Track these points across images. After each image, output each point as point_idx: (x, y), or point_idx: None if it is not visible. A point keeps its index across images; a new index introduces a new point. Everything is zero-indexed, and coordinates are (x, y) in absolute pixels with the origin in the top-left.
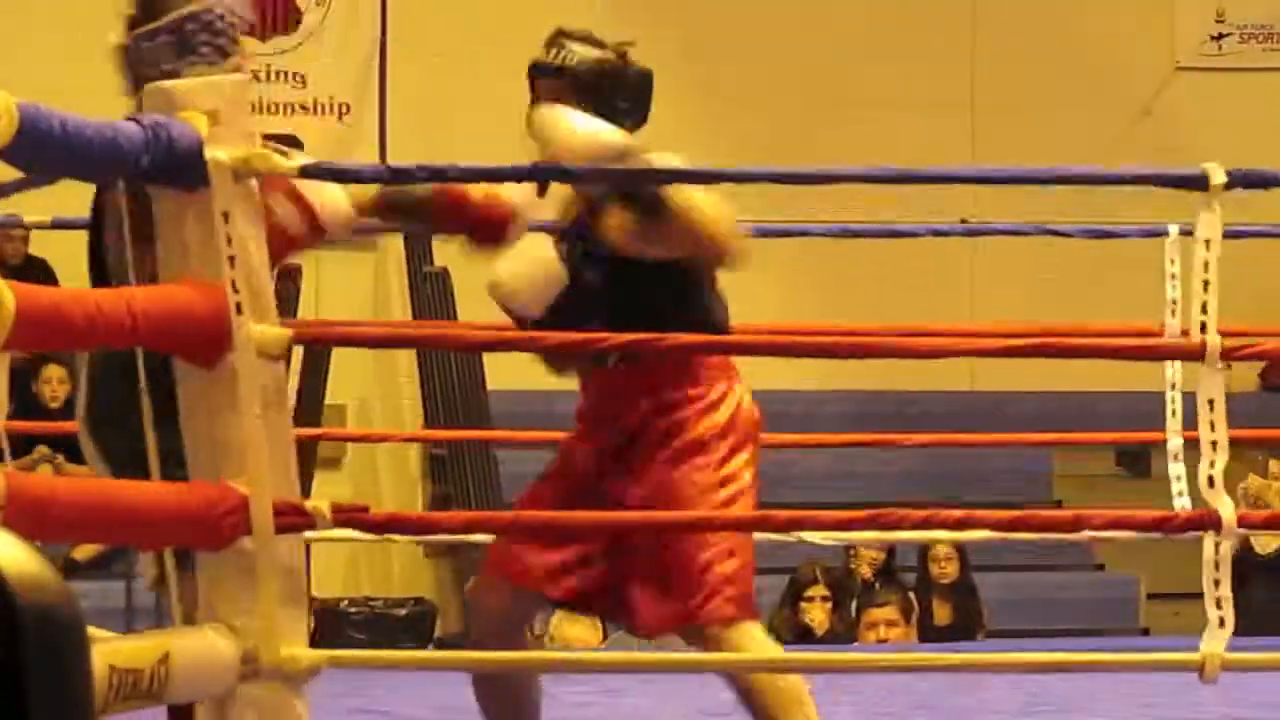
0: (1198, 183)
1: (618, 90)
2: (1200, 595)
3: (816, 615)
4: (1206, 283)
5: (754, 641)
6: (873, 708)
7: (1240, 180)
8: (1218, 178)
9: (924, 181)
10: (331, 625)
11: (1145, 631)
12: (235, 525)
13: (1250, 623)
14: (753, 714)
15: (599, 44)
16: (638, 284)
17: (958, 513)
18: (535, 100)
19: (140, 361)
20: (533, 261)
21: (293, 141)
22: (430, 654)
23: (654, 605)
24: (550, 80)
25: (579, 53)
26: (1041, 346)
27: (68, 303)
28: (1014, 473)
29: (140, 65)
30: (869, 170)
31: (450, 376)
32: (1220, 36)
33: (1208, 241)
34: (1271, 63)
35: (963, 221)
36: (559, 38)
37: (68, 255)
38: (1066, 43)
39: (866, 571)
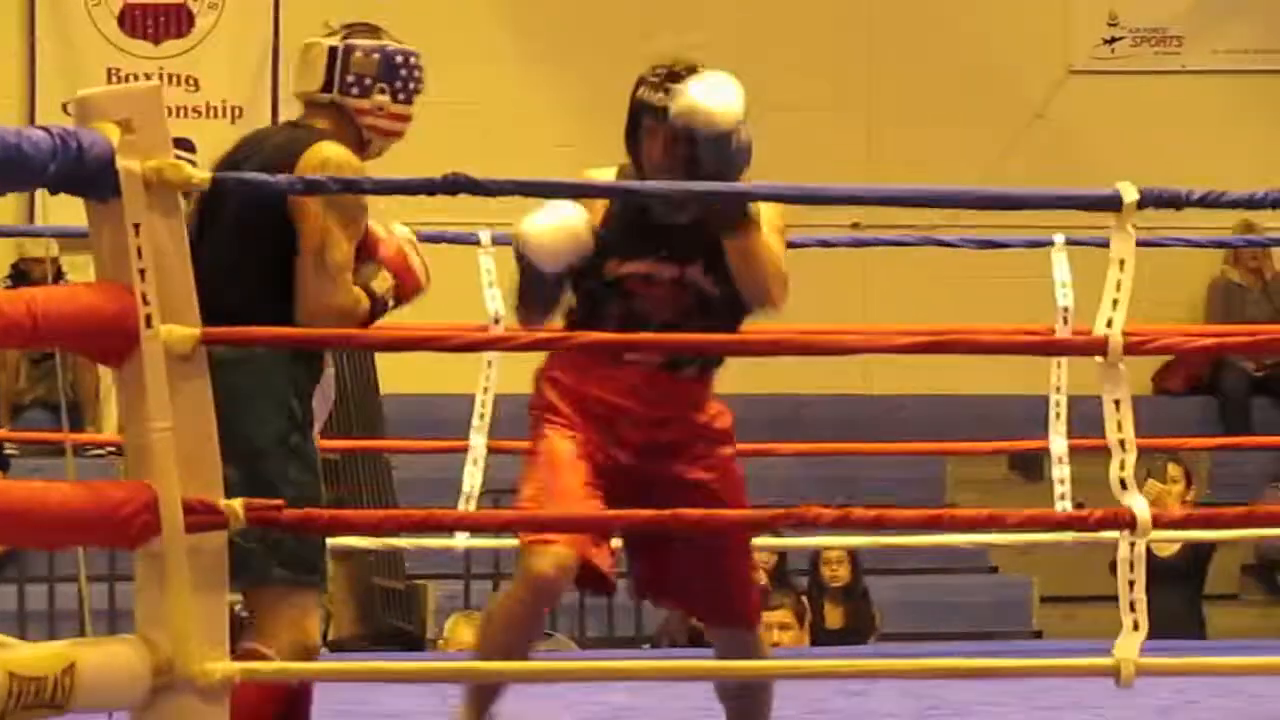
0: (1110, 203)
1: None
2: (1091, 598)
3: None
4: (1116, 301)
5: (767, 647)
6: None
7: (1153, 200)
8: (1130, 197)
9: (821, 202)
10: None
11: (1038, 634)
12: (145, 524)
13: (1154, 627)
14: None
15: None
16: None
17: (871, 511)
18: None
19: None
20: (562, 221)
21: (186, 145)
22: (347, 665)
23: (714, 603)
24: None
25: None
26: (946, 343)
27: None
28: (906, 477)
29: (343, 70)
30: (768, 187)
31: (344, 381)
32: (1113, 40)
33: (1121, 261)
34: (1164, 65)
35: (854, 226)
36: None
37: None
38: (961, 46)
39: (761, 576)
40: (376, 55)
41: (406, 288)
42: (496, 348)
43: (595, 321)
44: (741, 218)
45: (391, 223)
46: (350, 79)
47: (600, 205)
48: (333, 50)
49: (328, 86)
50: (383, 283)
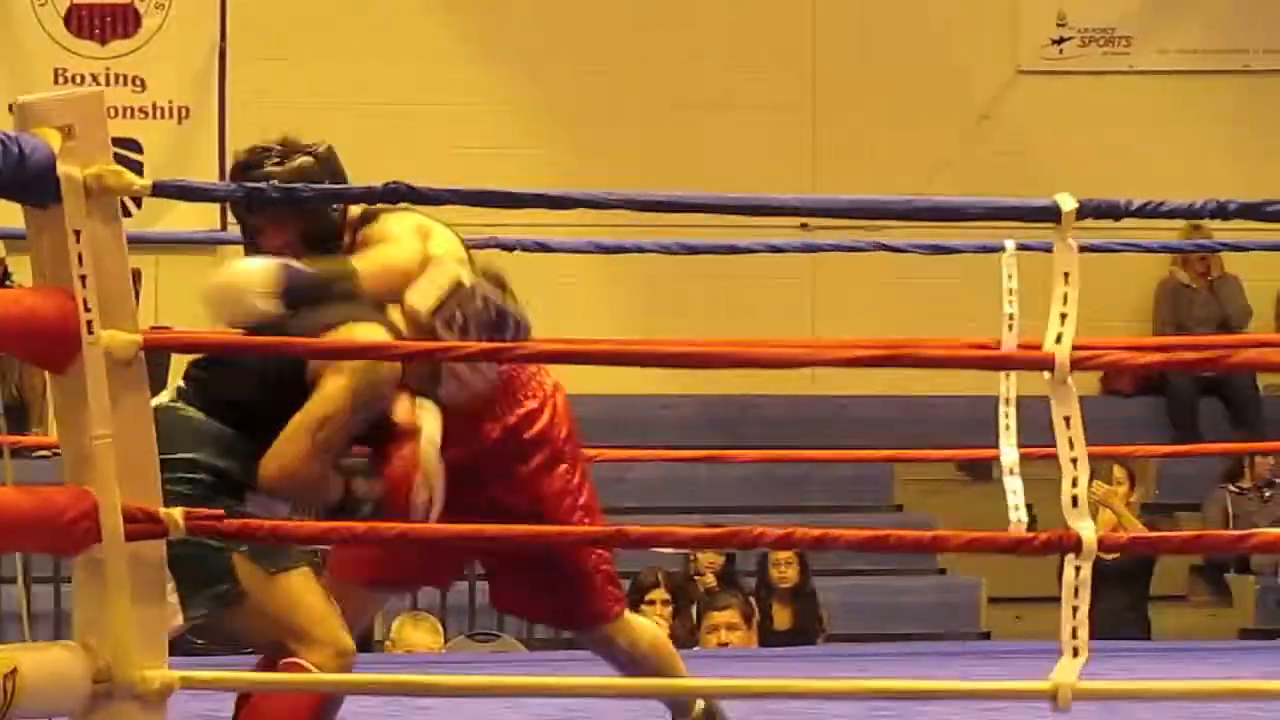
0: (1049, 214)
1: None
2: (1041, 599)
3: (657, 619)
4: (1064, 315)
5: (634, 626)
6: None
7: (1091, 210)
8: (1068, 207)
9: (765, 213)
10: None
11: (986, 635)
12: (86, 531)
13: (1100, 627)
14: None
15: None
16: None
17: (815, 531)
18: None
19: None
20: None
21: (133, 146)
22: (290, 676)
23: (548, 603)
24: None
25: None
26: (892, 357)
27: None
28: (855, 476)
29: (457, 305)
30: (710, 198)
31: None
32: (1061, 40)
33: (1066, 274)
34: (1112, 65)
35: (803, 227)
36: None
37: None
38: (908, 45)
39: (710, 578)
40: (493, 311)
41: (394, 506)
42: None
43: None
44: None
45: (427, 413)
46: (458, 316)
47: None
48: (459, 284)
49: (436, 310)
50: (368, 491)
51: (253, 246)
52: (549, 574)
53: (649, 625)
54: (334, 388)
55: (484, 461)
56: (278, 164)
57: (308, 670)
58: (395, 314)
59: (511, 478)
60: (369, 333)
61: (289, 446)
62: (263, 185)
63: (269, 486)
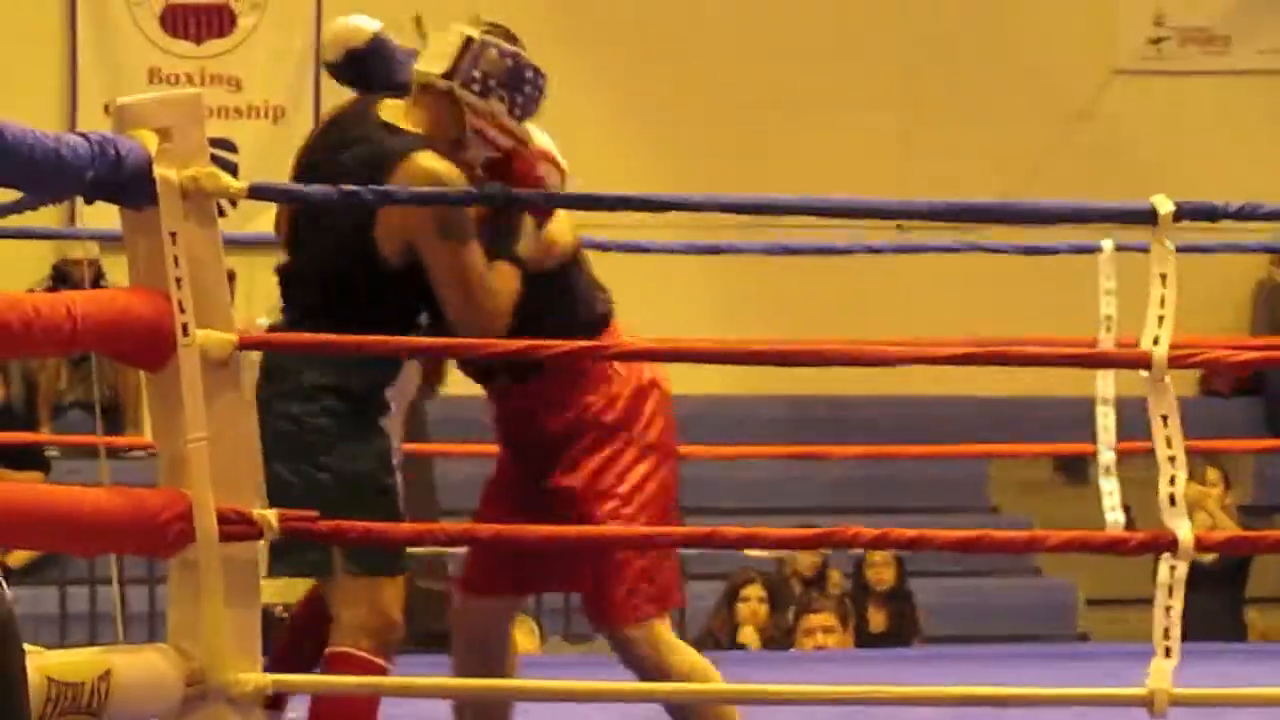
0: (1146, 217)
1: None
2: (1138, 601)
3: (753, 615)
4: (1161, 317)
5: (666, 639)
6: (803, 715)
7: (1189, 213)
8: (1165, 210)
9: (863, 215)
10: (268, 633)
11: (1083, 637)
12: (180, 533)
13: (1196, 629)
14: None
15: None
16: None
17: (910, 532)
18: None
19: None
20: None
21: (228, 146)
22: (386, 680)
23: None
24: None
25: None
26: (987, 354)
27: (3, 307)
28: (950, 479)
29: (472, 65)
30: (808, 200)
31: None
32: (1159, 40)
33: (1163, 276)
34: (1210, 65)
35: (899, 228)
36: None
37: (2, 261)
38: (1005, 44)
39: (806, 571)
40: (509, 61)
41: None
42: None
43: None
44: None
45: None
46: (476, 74)
47: None
48: (468, 41)
49: (450, 74)
50: (526, 247)
51: None
52: (574, 562)
53: (691, 650)
54: (436, 251)
55: (550, 449)
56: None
57: (361, 660)
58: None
59: (565, 458)
60: (432, 160)
61: (469, 321)
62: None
63: (499, 333)
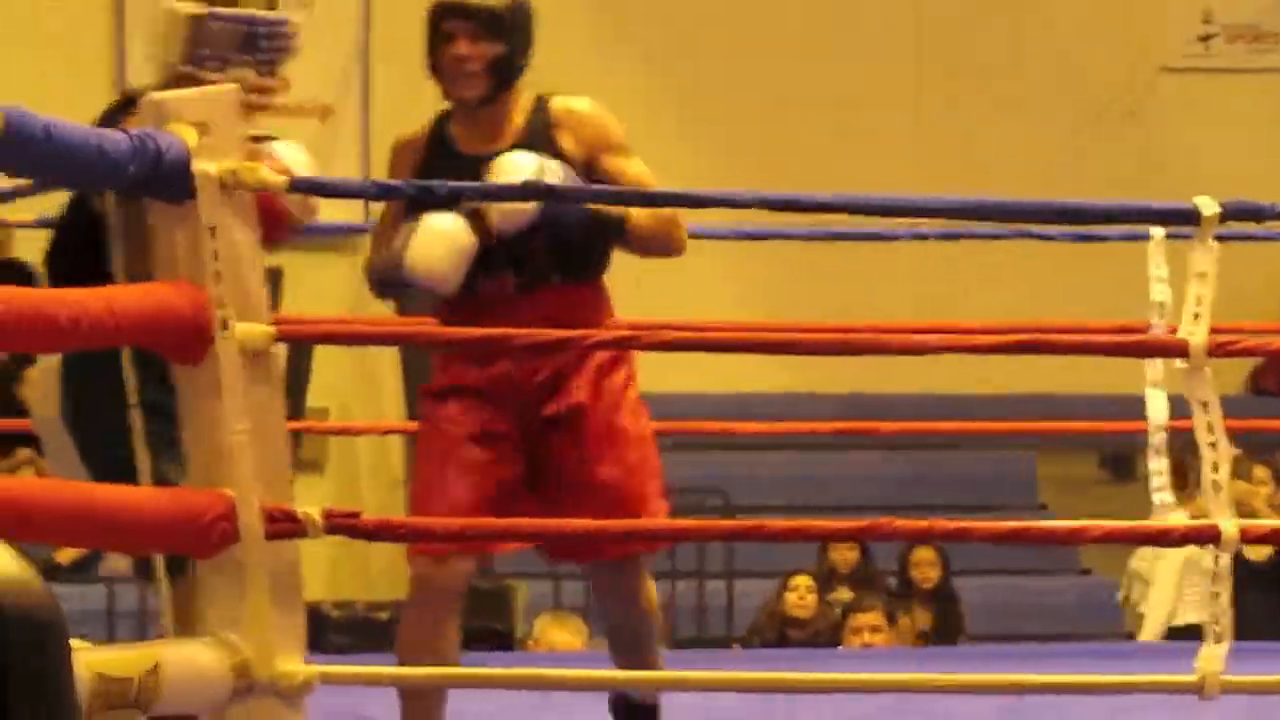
0: (1190, 218)
1: None
2: None
3: (801, 602)
4: (1197, 315)
5: (646, 576)
6: (843, 710)
7: (1233, 214)
8: (1210, 211)
9: (912, 214)
10: (313, 628)
11: (1130, 636)
12: (224, 532)
13: (1244, 630)
14: (637, 639)
15: None
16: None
17: (953, 523)
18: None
19: (126, 356)
20: (446, 238)
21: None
22: (434, 670)
23: (596, 536)
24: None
25: None
26: (1026, 343)
27: (50, 304)
28: (996, 477)
29: (200, 42)
30: (856, 198)
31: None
32: (1208, 37)
33: (1202, 274)
34: (1258, 63)
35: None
36: None
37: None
38: (1054, 42)
39: (844, 569)
40: (237, 26)
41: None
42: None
43: None
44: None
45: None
46: (206, 52)
47: (407, 163)
48: (191, 20)
49: (185, 58)
50: None
51: None
52: (615, 495)
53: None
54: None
55: (573, 364)
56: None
57: None
58: None
59: (597, 387)
60: None
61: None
62: (399, 183)
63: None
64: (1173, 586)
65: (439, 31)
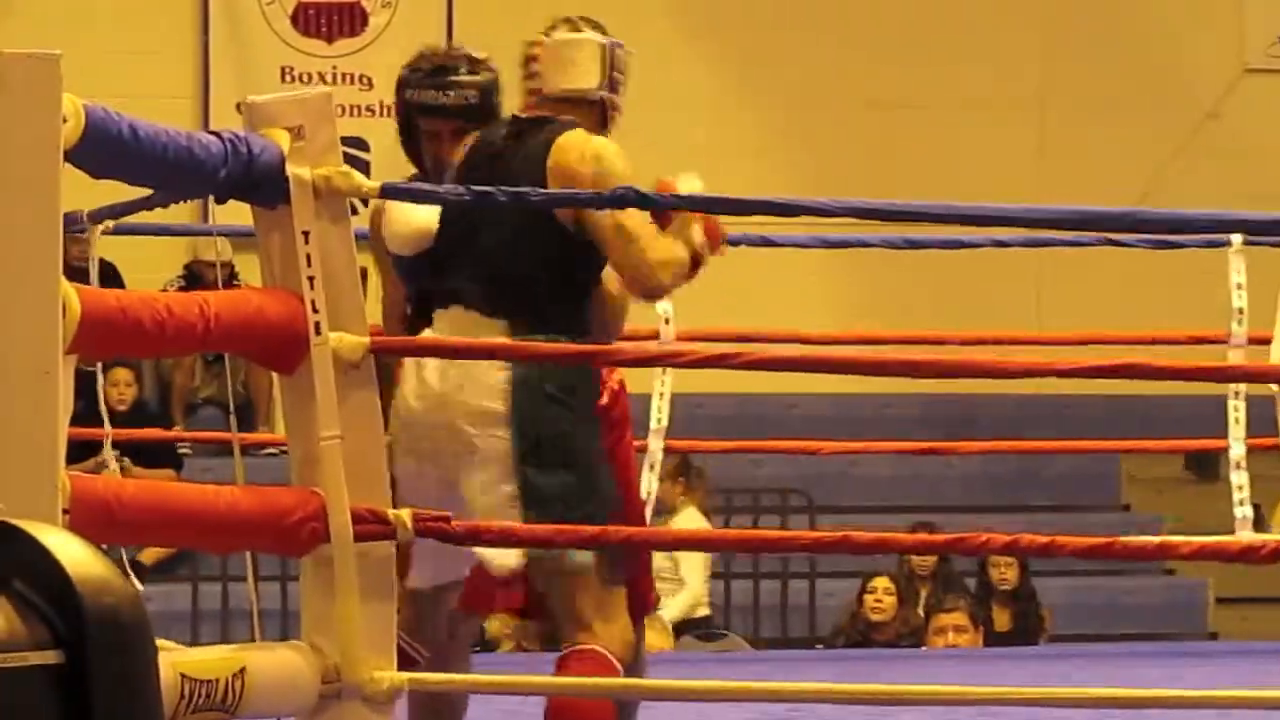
0: (1275, 228)
1: None
2: (1268, 599)
3: (879, 605)
4: None
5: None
6: (936, 715)
7: None
8: None
9: (991, 223)
10: None
11: (1213, 636)
12: (313, 532)
13: None
14: None
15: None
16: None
17: (1042, 538)
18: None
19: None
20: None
21: (360, 145)
22: (516, 678)
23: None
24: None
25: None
26: (1115, 368)
27: (136, 305)
28: (1080, 476)
29: (611, 67)
30: (936, 207)
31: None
32: None
33: None
34: None
35: None
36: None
37: (136, 259)
38: (1134, 44)
39: (921, 570)
40: (623, 53)
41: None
42: (668, 363)
43: None
44: None
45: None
46: (618, 76)
47: None
48: (603, 48)
49: (603, 84)
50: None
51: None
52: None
53: None
54: (625, 217)
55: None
56: (470, 73)
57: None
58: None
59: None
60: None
61: (656, 258)
62: (491, 189)
63: (666, 290)
64: None
65: (416, 123)
